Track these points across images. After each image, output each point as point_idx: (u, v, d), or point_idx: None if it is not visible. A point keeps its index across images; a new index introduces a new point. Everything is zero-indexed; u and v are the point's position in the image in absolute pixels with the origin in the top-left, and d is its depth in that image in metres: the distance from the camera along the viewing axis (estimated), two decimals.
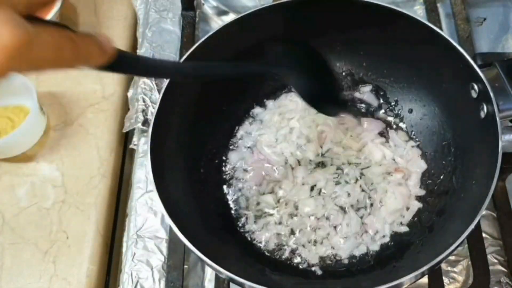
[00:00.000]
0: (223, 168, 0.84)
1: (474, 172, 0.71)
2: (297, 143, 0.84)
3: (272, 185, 0.82)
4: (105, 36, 0.45)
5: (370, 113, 0.87)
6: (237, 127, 0.87)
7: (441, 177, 0.79)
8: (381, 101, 0.87)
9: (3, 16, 0.36)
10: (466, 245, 0.76)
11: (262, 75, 0.80)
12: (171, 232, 0.80)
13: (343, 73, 0.89)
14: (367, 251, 0.76)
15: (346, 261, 0.75)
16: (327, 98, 0.72)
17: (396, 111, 0.86)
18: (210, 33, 0.78)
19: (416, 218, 0.77)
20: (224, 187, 0.82)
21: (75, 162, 0.88)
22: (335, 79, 0.79)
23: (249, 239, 0.78)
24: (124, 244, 0.83)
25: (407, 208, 0.78)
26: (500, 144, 0.65)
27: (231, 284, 0.76)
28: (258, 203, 0.80)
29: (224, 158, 0.85)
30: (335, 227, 0.77)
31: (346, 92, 0.88)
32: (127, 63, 0.50)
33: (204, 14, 1.04)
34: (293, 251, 0.76)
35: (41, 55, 0.39)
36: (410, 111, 0.85)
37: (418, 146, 0.83)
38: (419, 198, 0.79)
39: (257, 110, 0.88)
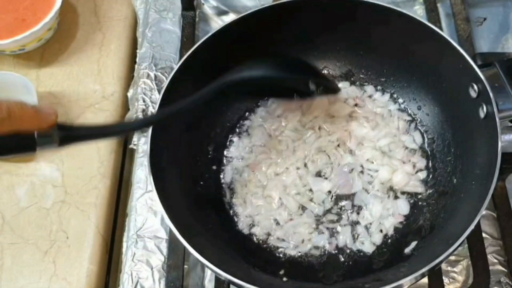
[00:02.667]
0: (224, 169, 0.84)
1: (474, 172, 0.71)
2: None
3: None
4: (50, 107, 0.49)
5: None
6: (237, 128, 0.87)
7: (441, 177, 0.79)
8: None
9: None
10: (466, 245, 0.76)
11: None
12: (171, 232, 0.80)
13: (343, 73, 0.89)
14: (367, 252, 0.76)
15: (345, 263, 0.75)
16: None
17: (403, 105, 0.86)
18: (210, 33, 0.78)
19: (416, 218, 0.77)
20: (224, 187, 0.82)
21: (75, 162, 0.88)
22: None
23: (248, 240, 0.78)
24: (124, 244, 0.83)
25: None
26: (500, 144, 0.65)
27: (231, 285, 0.76)
28: (258, 205, 0.80)
29: (225, 158, 0.85)
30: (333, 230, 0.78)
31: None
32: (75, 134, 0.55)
33: (204, 14, 1.04)
34: (291, 255, 0.76)
35: None
36: (411, 110, 0.85)
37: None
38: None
39: (259, 110, 0.88)
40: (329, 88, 0.82)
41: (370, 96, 0.87)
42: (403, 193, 0.79)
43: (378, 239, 0.76)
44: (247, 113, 0.88)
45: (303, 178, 0.81)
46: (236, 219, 0.80)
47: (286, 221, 0.78)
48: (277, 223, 0.78)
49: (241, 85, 0.71)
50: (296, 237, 0.77)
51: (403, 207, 0.78)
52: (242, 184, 0.82)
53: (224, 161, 0.84)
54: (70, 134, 0.54)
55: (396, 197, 0.79)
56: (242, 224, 0.79)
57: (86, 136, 0.58)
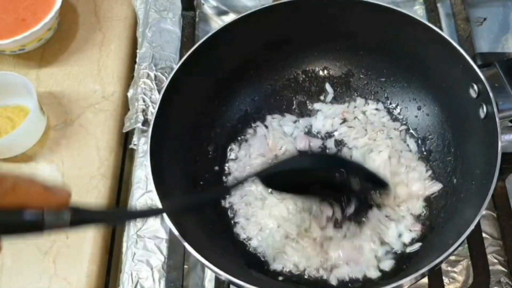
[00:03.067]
0: (223, 170, 0.84)
1: (474, 172, 0.71)
2: None
3: None
4: (65, 186, 0.46)
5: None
6: (237, 131, 0.87)
7: (441, 177, 0.79)
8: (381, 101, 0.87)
9: None
10: (466, 245, 0.76)
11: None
12: (171, 232, 0.79)
13: (343, 73, 0.89)
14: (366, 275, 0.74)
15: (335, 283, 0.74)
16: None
17: (396, 111, 0.86)
18: (210, 33, 0.78)
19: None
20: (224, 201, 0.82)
21: (75, 162, 0.88)
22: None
23: (246, 241, 0.78)
24: (124, 244, 0.83)
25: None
26: (500, 144, 0.65)
27: (231, 286, 0.76)
28: (254, 209, 0.80)
29: (225, 158, 0.85)
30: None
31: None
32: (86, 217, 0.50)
33: (204, 14, 1.04)
34: (282, 261, 0.75)
35: None
36: (410, 110, 0.85)
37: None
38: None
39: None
40: (376, 183, 0.73)
41: (358, 108, 0.87)
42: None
43: None
44: (247, 114, 0.88)
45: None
46: (234, 225, 0.79)
47: (287, 242, 0.76)
48: (275, 239, 0.76)
49: (274, 180, 0.67)
50: (294, 260, 0.75)
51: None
52: (241, 194, 0.81)
53: (225, 162, 0.84)
54: (82, 217, 0.49)
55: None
56: (239, 231, 0.78)
57: (98, 220, 0.54)
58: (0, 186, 0.42)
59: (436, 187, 0.78)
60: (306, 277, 0.74)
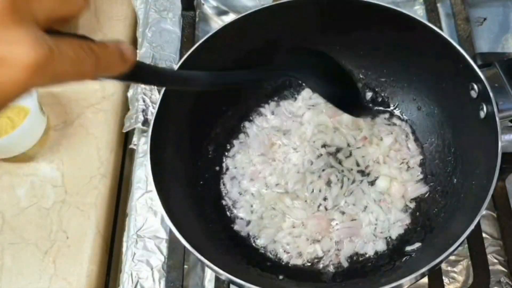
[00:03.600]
0: (223, 169, 0.84)
1: (474, 172, 0.71)
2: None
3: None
4: (126, 43, 0.45)
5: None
6: (237, 131, 0.87)
7: (441, 177, 0.79)
8: (381, 100, 0.87)
9: (24, 32, 0.35)
10: (466, 245, 0.76)
11: (279, 78, 0.78)
12: (171, 232, 0.80)
13: None
14: (367, 252, 0.76)
15: (345, 263, 0.75)
16: (349, 100, 0.73)
17: (397, 111, 0.86)
18: (210, 33, 0.78)
19: (416, 218, 0.77)
20: (224, 187, 0.82)
21: (75, 162, 0.88)
22: (355, 85, 0.76)
23: (247, 242, 0.78)
24: (124, 244, 0.83)
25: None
26: (500, 144, 0.65)
27: (231, 285, 0.76)
28: (256, 205, 0.80)
29: (224, 158, 0.85)
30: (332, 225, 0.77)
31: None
32: (146, 73, 0.51)
33: (204, 14, 1.04)
34: (287, 252, 0.76)
35: (62, 69, 0.38)
36: (410, 111, 0.85)
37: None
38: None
39: (261, 109, 0.88)
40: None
41: None
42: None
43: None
44: (247, 114, 0.88)
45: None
46: (235, 223, 0.80)
47: (289, 231, 0.78)
48: (279, 231, 0.78)
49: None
50: (299, 247, 0.77)
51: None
52: (241, 192, 0.82)
53: (225, 161, 0.84)
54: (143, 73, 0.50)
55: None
56: (241, 228, 0.79)
57: (155, 80, 0.54)
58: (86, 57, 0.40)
59: (423, 190, 0.79)
60: (318, 262, 0.76)
